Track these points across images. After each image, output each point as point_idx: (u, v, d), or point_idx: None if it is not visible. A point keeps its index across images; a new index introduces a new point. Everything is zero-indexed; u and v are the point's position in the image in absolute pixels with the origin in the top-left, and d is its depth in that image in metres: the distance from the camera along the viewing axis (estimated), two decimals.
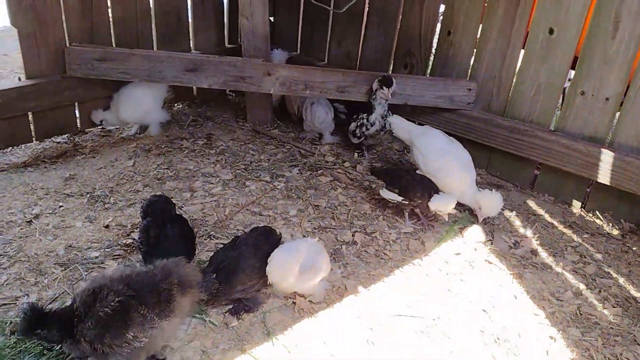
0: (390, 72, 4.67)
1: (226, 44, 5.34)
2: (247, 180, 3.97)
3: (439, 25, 4.50)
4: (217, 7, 5.13)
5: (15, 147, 4.27)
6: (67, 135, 4.50)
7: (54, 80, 4.20)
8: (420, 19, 4.45)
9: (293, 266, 2.70)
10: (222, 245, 3.10)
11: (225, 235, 3.35)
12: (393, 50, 4.70)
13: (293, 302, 2.86)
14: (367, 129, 4.19)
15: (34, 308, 2.25)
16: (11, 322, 2.61)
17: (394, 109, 4.25)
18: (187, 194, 3.74)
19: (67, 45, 4.20)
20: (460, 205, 3.67)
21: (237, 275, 2.71)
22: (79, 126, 4.54)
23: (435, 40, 4.52)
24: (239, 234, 3.03)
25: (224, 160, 4.21)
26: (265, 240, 2.85)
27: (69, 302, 2.40)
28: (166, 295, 2.34)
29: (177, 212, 3.12)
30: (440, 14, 4.47)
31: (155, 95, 4.54)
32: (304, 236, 3.39)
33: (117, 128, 4.66)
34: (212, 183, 3.90)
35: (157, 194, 3.17)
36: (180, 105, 5.17)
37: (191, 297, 2.46)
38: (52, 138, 4.44)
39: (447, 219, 3.58)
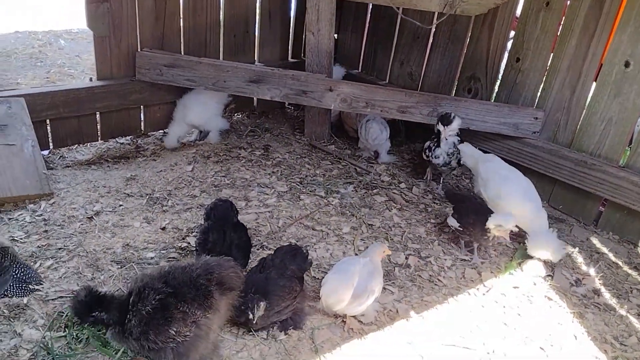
0: (453, 95, 4.59)
1: (289, 58, 5.40)
2: (301, 193, 3.96)
3: (507, 51, 4.41)
4: (284, 21, 5.20)
5: (81, 145, 4.41)
6: (130, 137, 4.63)
7: (123, 83, 4.34)
8: (488, 43, 4.38)
9: (347, 291, 2.66)
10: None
11: (277, 246, 3.34)
12: (458, 74, 4.64)
13: (343, 320, 2.81)
14: (433, 158, 4.06)
15: (89, 290, 2.32)
16: (67, 315, 2.66)
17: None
18: (242, 203, 3.75)
19: (139, 50, 4.34)
20: (520, 237, 3.54)
21: (269, 300, 2.62)
22: (142, 129, 4.65)
23: (502, 66, 4.43)
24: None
25: (280, 172, 4.22)
26: (292, 259, 2.80)
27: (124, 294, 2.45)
28: (204, 290, 2.35)
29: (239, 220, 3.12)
30: (509, 40, 4.38)
31: (218, 100, 4.63)
32: (356, 254, 3.34)
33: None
34: (267, 194, 3.92)
35: (223, 198, 3.19)
36: (240, 116, 5.24)
37: (228, 299, 2.47)
38: (116, 139, 4.57)
39: (508, 239, 3.38)
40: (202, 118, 4.55)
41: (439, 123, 3.91)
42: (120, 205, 3.62)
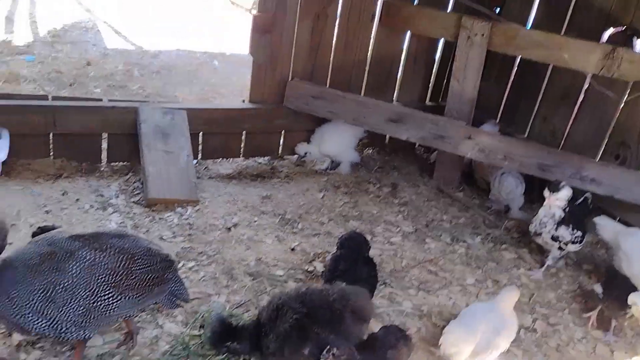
0: (598, 160, 4.39)
1: (427, 101, 5.46)
2: (427, 237, 3.96)
3: None
4: (428, 65, 5.29)
5: (224, 160, 4.75)
6: (268, 157, 4.91)
7: (271, 108, 4.66)
8: None
9: (468, 345, 2.63)
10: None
11: (400, 286, 3.37)
12: (606, 138, 4.42)
13: None
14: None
15: (222, 322, 2.48)
16: (202, 316, 2.87)
17: (597, 198, 3.98)
18: (367, 237, 3.82)
19: (290, 79, 4.63)
20: None
21: None
22: (279, 152, 4.92)
23: None
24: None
25: (406, 212, 4.26)
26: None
27: (253, 317, 2.63)
28: (338, 315, 2.44)
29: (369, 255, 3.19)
30: None
31: (354, 134, 4.79)
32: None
33: (310, 160, 4.93)
34: (392, 232, 3.97)
35: (357, 231, 3.30)
36: (370, 151, 5.37)
37: (360, 329, 2.52)
38: (255, 158, 4.87)
39: None
40: (337, 149, 4.75)
41: (547, 189, 3.68)
42: (255, 221, 3.85)
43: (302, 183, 4.53)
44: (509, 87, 5.18)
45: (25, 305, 2.20)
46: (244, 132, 4.68)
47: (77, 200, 3.75)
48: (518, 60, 5.07)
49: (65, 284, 2.24)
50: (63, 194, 3.78)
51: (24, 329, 2.26)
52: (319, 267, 3.42)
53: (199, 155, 4.58)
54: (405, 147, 5.49)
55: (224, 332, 2.45)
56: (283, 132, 4.86)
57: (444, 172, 4.84)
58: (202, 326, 2.80)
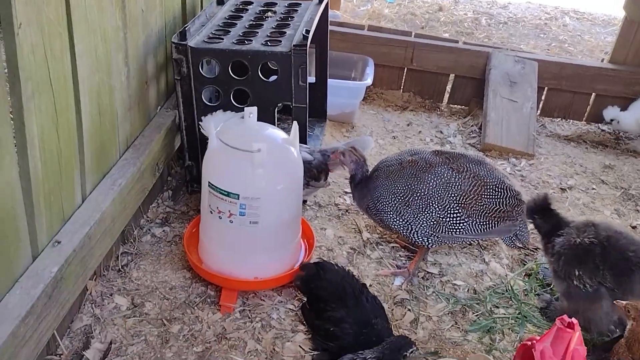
0: None
1: None
2: None
3: None
4: None
5: (563, 120, 4.47)
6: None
7: (633, 71, 4.17)
8: None
9: None
10: None
11: None
12: None
13: None
14: None
15: (547, 198, 2.55)
16: (528, 268, 2.84)
17: None
18: None
19: None
20: None
21: None
22: None
23: None
24: None
25: None
26: None
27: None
28: None
29: None
30: None
31: None
32: None
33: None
34: None
35: None
36: None
37: None
38: (598, 124, 4.46)
39: None
40: None
41: None
42: (593, 189, 3.58)
43: None
44: None
45: (387, 204, 2.51)
46: (593, 94, 4.32)
47: (420, 132, 4.05)
48: None
49: (421, 193, 2.47)
50: (408, 125, 4.12)
51: (386, 225, 2.59)
52: None
53: (538, 111, 4.41)
54: None
55: (543, 206, 2.53)
56: None
57: None
58: (528, 275, 2.80)
